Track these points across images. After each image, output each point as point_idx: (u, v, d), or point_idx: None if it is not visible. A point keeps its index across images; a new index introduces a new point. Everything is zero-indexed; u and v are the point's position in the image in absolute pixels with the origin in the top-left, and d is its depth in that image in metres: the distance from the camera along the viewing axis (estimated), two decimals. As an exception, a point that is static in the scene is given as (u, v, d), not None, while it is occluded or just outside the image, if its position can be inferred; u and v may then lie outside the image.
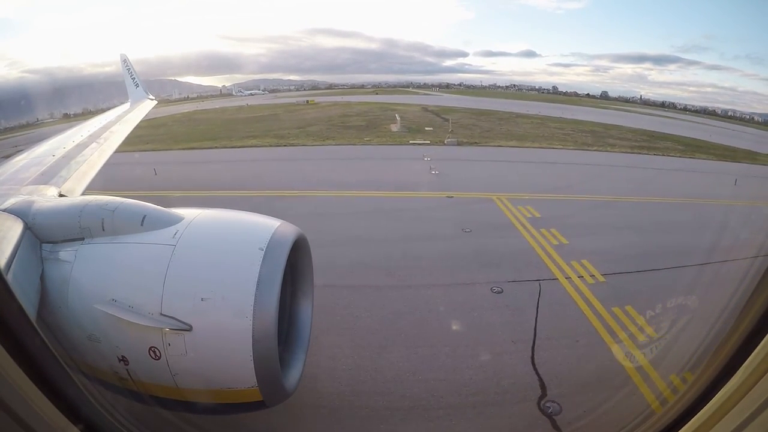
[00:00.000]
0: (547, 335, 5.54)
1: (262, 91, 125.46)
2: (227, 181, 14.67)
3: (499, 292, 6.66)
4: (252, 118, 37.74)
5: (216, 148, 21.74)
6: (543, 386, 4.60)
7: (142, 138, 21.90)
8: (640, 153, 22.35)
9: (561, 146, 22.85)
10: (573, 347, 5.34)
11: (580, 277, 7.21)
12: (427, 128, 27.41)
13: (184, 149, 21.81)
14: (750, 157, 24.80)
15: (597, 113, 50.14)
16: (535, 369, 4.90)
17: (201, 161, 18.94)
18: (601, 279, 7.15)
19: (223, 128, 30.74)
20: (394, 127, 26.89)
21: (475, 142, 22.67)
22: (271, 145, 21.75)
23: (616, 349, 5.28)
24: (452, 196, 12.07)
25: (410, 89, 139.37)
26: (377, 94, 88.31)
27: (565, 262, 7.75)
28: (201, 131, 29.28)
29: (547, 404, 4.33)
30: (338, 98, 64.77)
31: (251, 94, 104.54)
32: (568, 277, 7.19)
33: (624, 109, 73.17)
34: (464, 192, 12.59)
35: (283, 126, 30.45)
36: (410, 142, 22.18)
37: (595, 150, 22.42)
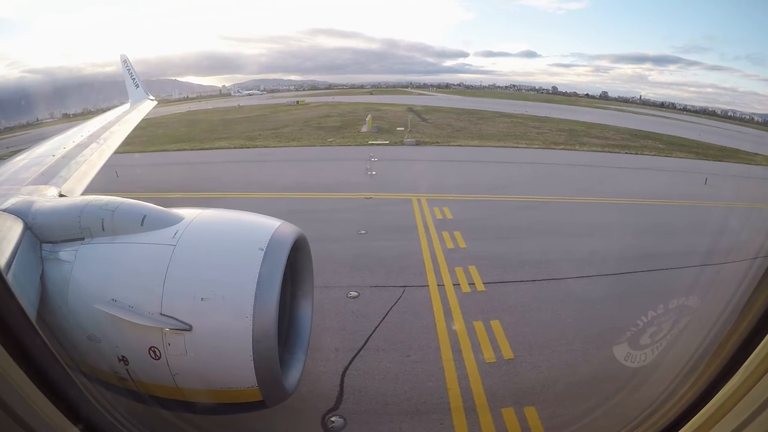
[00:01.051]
0: (378, 346, 5.15)
1: (261, 91, 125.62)
2: (164, 183, 14.35)
3: (354, 298, 6.26)
4: (236, 119, 37.86)
5: (183, 150, 21.83)
6: (339, 399, 4.30)
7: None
8: (610, 152, 22.19)
9: (526, 145, 22.70)
10: (399, 362, 4.87)
11: (456, 284, 6.75)
12: (398, 128, 27.29)
13: (153, 152, 21.86)
14: (736, 156, 24.72)
15: (589, 113, 49.83)
16: (342, 380, 4.55)
17: (160, 164, 18.84)
18: (481, 288, 6.68)
19: (202, 130, 30.84)
20: (364, 128, 26.83)
21: (436, 142, 22.58)
22: (235, 147, 21.80)
23: (449, 368, 4.77)
24: (371, 197, 11.73)
25: (408, 89, 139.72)
26: (372, 94, 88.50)
27: (450, 267, 7.33)
28: (179, 134, 29.25)
29: (332, 418, 4.06)
30: (331, 99, 64.67)
31: (249, 95, 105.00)
32: (441, 285, 6.72)
33: (620, 109, 73.03)
34: (387, 193, 12.21)
35: (260, 127, 30.44)
36: (370, 142, 22.02)
37: (561, 148, 22.13)
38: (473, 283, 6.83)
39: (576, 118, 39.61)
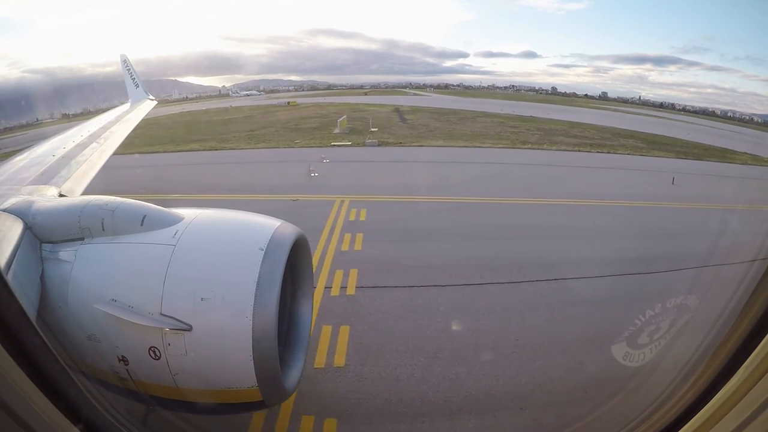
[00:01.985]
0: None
1: (259, 92, 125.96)
2: (112, 185, 14.09)
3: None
4: (221, 121, 37.81)
5: (153, 153, 21.62)
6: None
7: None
8: (581, 151, 22.01)
9: (491, 145, 22.66)
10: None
11: (328, 287, 6.63)
12: (372, 129, 27.43)
13: (126, 154, 21.60)
14: (720, 155, 24.63)
15: (580, 113, 49.68)
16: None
17: (124, 166, 18.16)
18: (351, 292, 6.53)
19: (183, 132, 30.72)
20: (336, 130, 26.97)
21: (399, 143, 22.69)
22: (205, 150, 21.81)
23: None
24: (297, 199, 11.64)
25: (406, 90, 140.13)
26: (367, 95, 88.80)
27: (332, 270, 7.19)
28: (159, 136, 28.87)
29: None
30: (324, 100, 64.43)
31: (248, 95, 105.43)
32: (313, 287, 6.65)
33: (616, 109, 73.05)
34: (316, 195, 12.13)
35: (238, 129, 30.30)
36: (332, 144, 22.07)
37: (527, 148, 22.05)
38: (345, 287, 6.67)
39: (563, 117, 39.51)
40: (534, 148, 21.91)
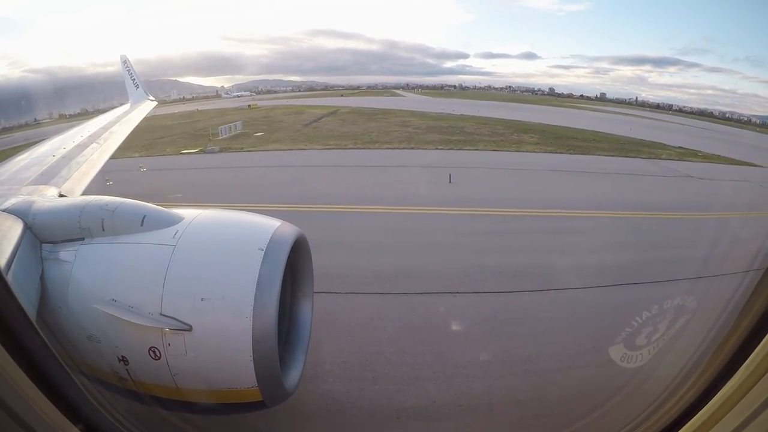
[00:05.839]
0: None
1: (250, 93, 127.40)
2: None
3: None
4: (152, 127, 36.04)
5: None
6: None
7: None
8: (440, 149, 22.07)
9: (353, 145, 22.67)
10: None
11: None
12: (257, 134, 27.97)
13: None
14: (636, 149, 24.55)
15: (556, 113, 49.80)
16: None
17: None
18: None
19: None
20: (222, 135, 27.41)
21: (241, 148, 22.75)
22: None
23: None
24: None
25: (394, 90, 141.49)
26: (342, 96, 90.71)
27: None
28: None
29: None
30: (299, 101, 64.94)
31: (239, 96, 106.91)
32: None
33: (599, 109, 72.43)
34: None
35: (152, 136, 28.31)
36: (182, 152, 22.18)
37: (376, 148, 22.16)
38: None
39: (510, 117, 39.71)
40: (383, 148, 22.08)
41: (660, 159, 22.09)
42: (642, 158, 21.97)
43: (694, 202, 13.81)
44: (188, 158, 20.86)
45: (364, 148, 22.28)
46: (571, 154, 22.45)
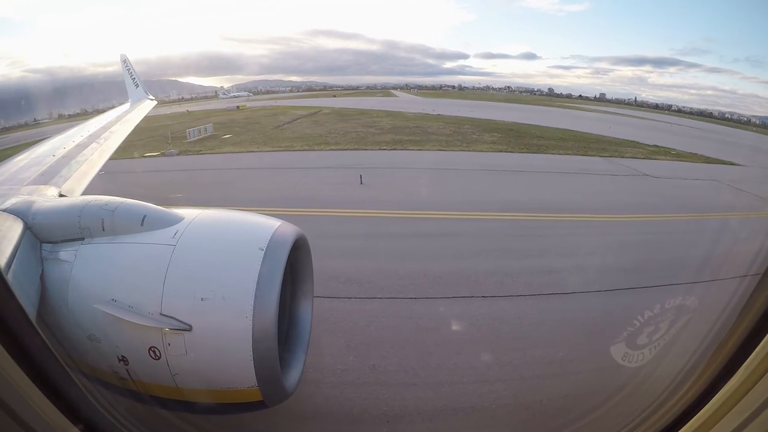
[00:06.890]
0: None
1: (247, 93, 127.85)
2: None
3: None
4: (142, 128, 36.76)
5: None
6: None
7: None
8: (387, 149, 21.95)
9: (300, 147, 22.53)
10: None
11: None
12: (225, 136, 27.87)
13: None
14: (609, 148, 24.46)
15: (541, 113, 49.38)
16: None
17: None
18: None
19: None
20: (191, 138, 27.31)
21: (199, 151, 22.54)
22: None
23: None
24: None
25: (390, 90, 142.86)
26: (335, 96, 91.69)
27: None
28: None
29: None
30: (294, 102, 65.61)
31: (235, 96, 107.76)
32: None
33: (590, 109, 72.99)
34: None
35: (131, 139, 28.84)
36: (145, 155, 21.90)
37: (322, 149, 21.92)
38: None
39: (494, 117, 39.59)
40: (327, 149, 21.88)
41: (622, 157, 21.72)
42: (601, 156, 21.71)
43: (611, 201, 13.00)
44: (144, 162, 20.37)
45: (309, 150, 21.92)
46: (522, 153, 22.14)
